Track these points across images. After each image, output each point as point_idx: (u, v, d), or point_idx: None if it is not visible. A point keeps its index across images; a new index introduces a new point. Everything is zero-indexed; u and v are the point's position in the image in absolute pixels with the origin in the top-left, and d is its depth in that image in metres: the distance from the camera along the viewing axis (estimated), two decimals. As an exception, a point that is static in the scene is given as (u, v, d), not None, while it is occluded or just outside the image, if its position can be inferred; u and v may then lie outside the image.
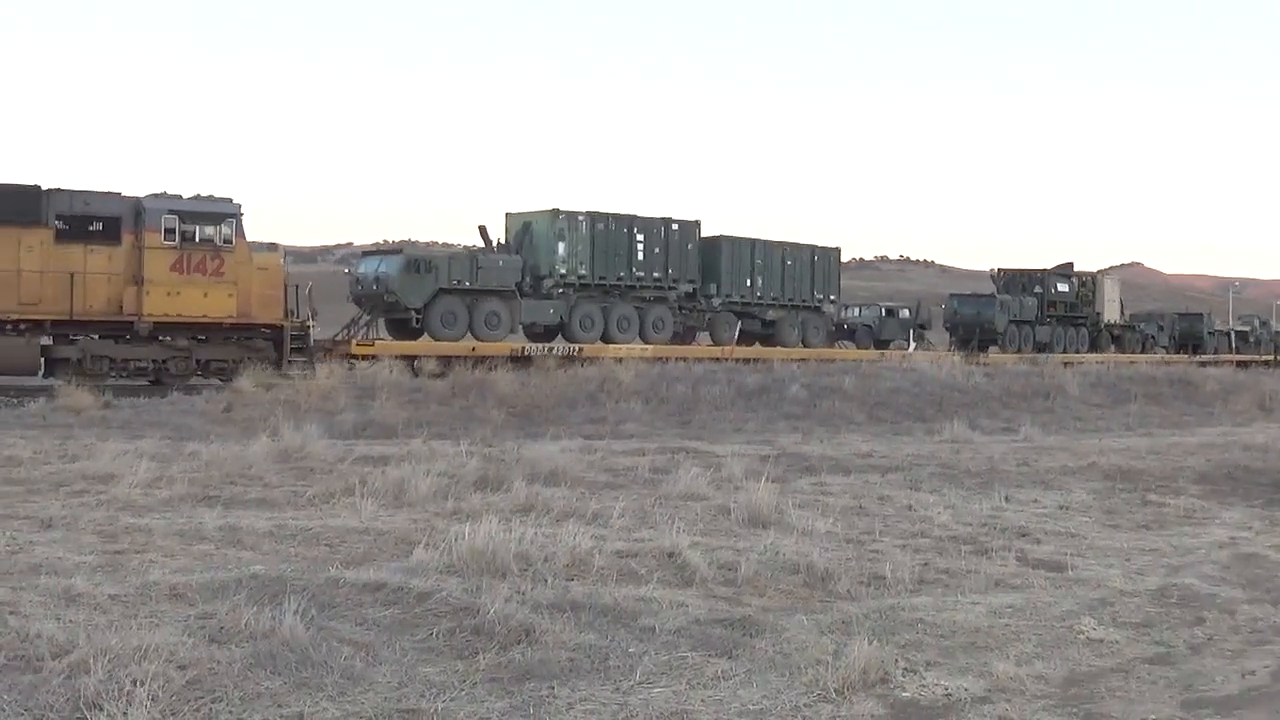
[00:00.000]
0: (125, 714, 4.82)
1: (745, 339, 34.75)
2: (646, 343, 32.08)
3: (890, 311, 44.12)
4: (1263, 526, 11.06)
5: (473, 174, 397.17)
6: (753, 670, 5.94)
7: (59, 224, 23.20)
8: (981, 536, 9.79)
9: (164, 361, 23.93)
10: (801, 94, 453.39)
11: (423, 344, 28.93)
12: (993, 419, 23.15)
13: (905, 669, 6.01)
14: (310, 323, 25.95)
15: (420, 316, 29.09)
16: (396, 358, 26.71)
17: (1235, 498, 12.92)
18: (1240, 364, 48.84)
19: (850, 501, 11.34)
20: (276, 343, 24.87)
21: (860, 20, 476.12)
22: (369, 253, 34.17)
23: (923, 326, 44.70)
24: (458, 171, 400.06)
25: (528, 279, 30.80)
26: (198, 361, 24.10)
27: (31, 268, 22.77)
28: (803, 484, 12.57)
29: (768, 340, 35.00)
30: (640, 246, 32.34)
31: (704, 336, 34.71)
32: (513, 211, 32.54)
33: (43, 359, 23.33)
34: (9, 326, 22.74)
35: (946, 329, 45.53)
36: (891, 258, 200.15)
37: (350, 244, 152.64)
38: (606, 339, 31.61)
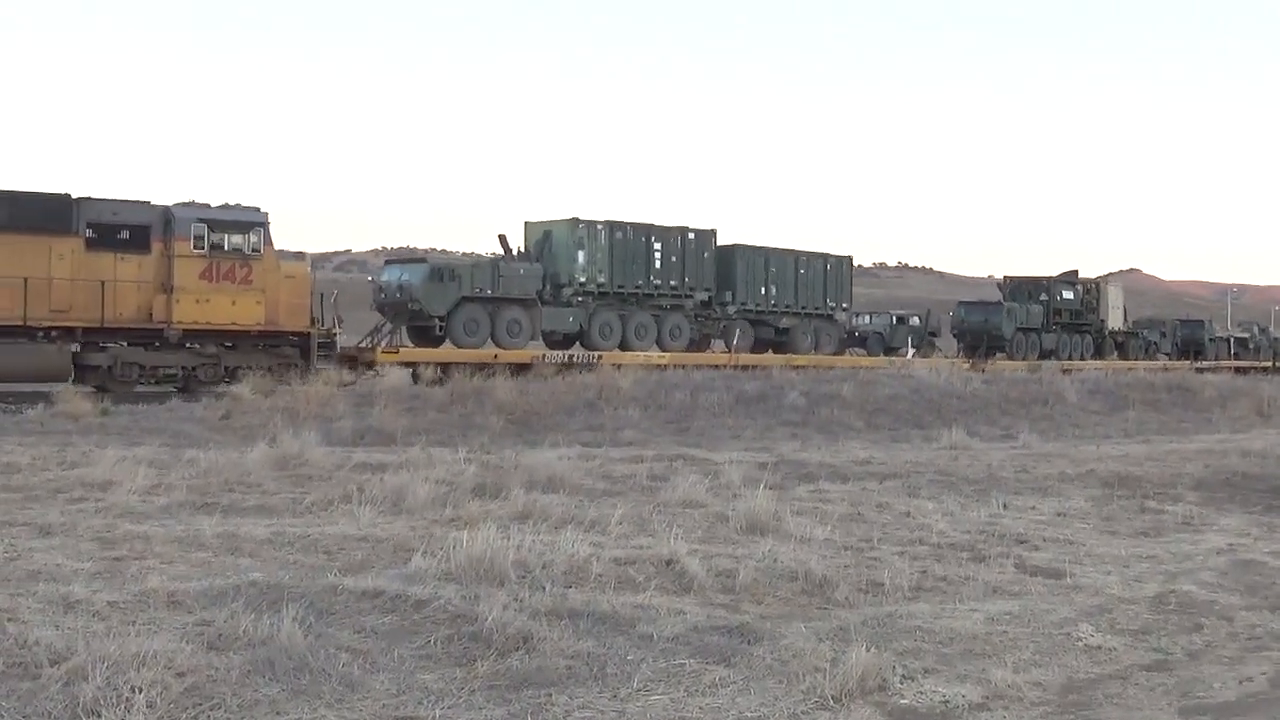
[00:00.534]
0: (123, 721, 4.82)
1: (759, 346, 35.04)
2: (664, 350, 32.36)
3: (901, 319, 44.88)
4: (1261, 533, 11.07)
5: (472, 180, 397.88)
6: (751, 678, 5.94)
7: (89, 232, 23.57)
8: (979, 543, 9.79)
9: (193, 368, 24.26)
10: (798, 100, 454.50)
11: (446, 351, 29.20)
12: (991, 426, 23.15)
13: (903, 676, 6.01)
14: (336, 330, 26.30)
15: (443, 324, 29.42)
16: (428, 365, 26.90)
17: (1233, 504, 12.93)
18: (1238, 370, 48.94)
19: (848, 509, 11.33)
20: (303, 350, 25.24)
21: (855, 28, 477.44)
22: (391, 261, 34.45)
23: (933, 334, 45.43)
24: (457, 177, 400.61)
25: (548, 287, 31.07)
26: (226, 368, 24.24)
27: (62, 275, 23.13)
28: (801, 491, 12.56)
29: (781, 348, 35.23)
30: (658, 255, 32.65)
31: (718, 344, 34.99)
32: (531, 220, 32.86)
33: (73, 366, 23.60)
34: (41, 334, 23.04)
35: (954, 336, 45.91)
36: (890, 264, 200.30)
37: (349, 251, 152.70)
38: (624, 346, 31.87)
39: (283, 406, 19.71)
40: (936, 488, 13.17)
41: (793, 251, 36.26)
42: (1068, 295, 46.64)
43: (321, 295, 26.38)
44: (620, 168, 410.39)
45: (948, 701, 5.73)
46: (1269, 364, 55.75)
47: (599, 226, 31.77)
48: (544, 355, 30.09)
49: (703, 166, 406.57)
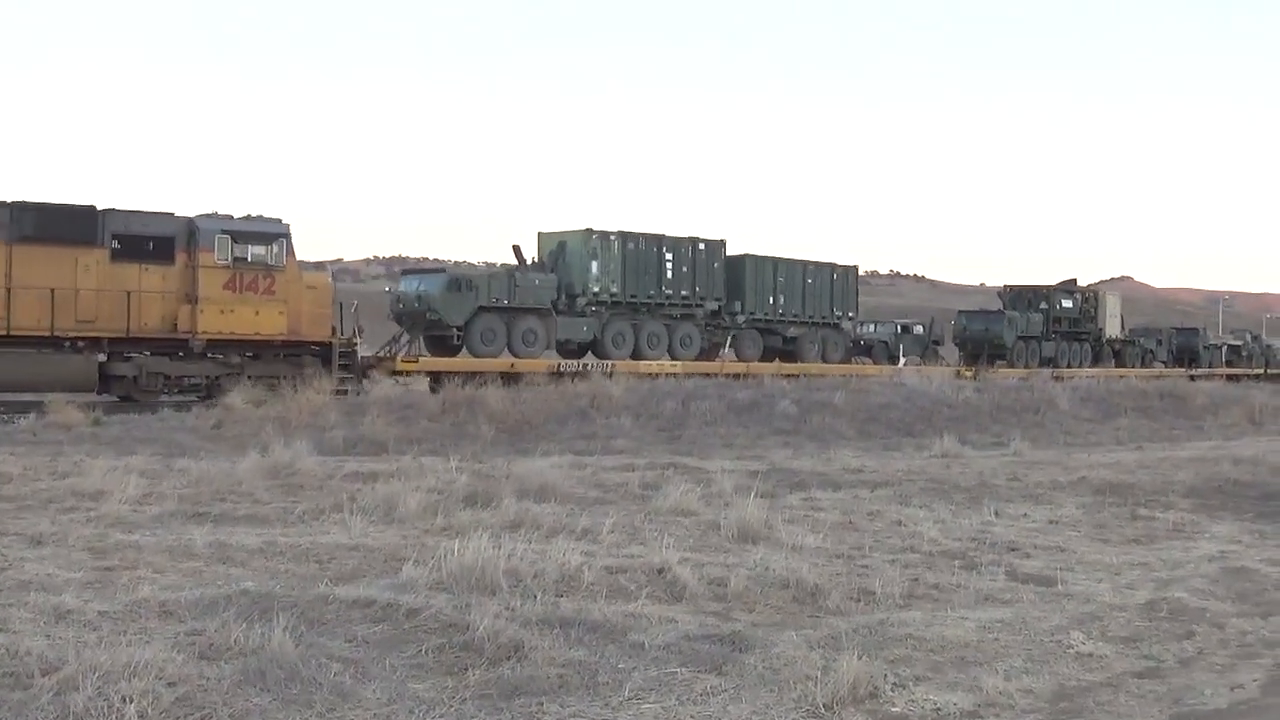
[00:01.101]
0: (114, 731, 4.82)
1: (767, 355, 35.22)
2: (674, 359, 32.55)
3: (905, 328, 45.34)
4: (1252, 540, 11.10)
5: (473, 188, 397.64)
6: (742, 686, 5.95)
7: (114, 244, 23.71)
8: (971, 551, 9.81)
9: (217, 378, 24.36)
10: (789, 109, 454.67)
11: (465, 360, 29.36)
12: (983, 433, 23.19)
13: (894, 684, 6.02)
14: (357, 340, 26.63)
15: (461, 334, 29.65)
16: (451, 374, 26.94)
17: (1225, 511, 12.95)
18: (1230, 377, 49.16)
19: (840, 517, 11.35)
20: (325, 359, 25.42)
21: (849, 36, 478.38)
22: (408, 271, 34.75)
23: (936, 342, 46.09)
24: (460, 184, 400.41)
25: (562, 297, 31.28)
26: (249, 378, 24.33)
27: (88, 286, 23.26)
28: (792, 499, 12.57)
29: (788, 356, 35.37)
30: (669, 265, 32.90)
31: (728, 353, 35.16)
32: (545, 231, 33.11)
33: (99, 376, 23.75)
34: (67, 344, 23.18)
35: (956, 344, 46.25)
36: (882, 272, 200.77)
37: (340, 260, 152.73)
38: (637, 355, 32.10)
39: (274, 416, 19.70)
40: (928, 495, 13.18)
41: (800, 261, 36.55)
42: (1067, 304, 47.13)
43: (341, 305, 26.65)
44: (621, 171, 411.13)
45: (939, 709, 5.74)
46: (1260, 371, 56.02)
47: (612, 237, 32.01)
48: (559, 365, 30.28)
49: (699, 174, 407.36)
